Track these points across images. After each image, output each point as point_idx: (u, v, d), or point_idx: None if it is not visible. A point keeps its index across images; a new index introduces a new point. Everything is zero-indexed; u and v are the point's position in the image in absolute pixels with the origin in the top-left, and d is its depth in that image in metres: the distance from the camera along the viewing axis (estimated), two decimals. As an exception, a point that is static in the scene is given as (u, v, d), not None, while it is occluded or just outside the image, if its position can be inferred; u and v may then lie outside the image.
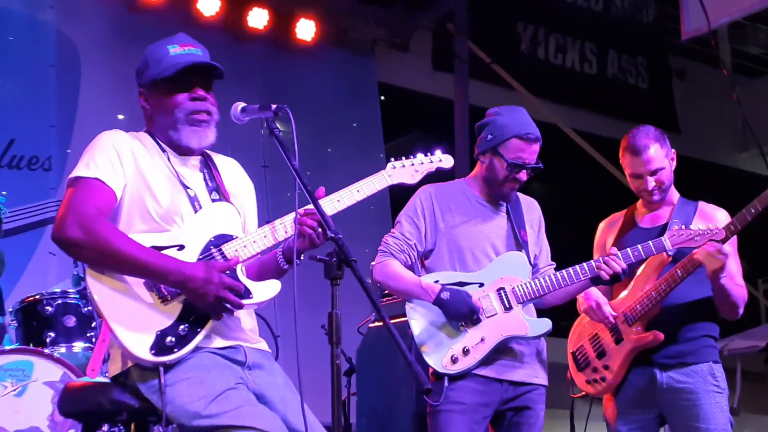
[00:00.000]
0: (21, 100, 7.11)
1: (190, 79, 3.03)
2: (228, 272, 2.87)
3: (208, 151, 3.18)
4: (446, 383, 3.67)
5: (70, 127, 7.28)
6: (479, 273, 3.81)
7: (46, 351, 4.51)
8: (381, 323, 5.33)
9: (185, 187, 3.00)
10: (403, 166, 3.25)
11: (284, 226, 2.96)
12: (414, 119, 9.91)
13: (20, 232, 6.80)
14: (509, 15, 10.28)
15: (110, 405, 2.92)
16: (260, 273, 3.09)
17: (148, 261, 2.79)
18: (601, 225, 4.28)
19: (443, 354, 3.70)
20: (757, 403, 9.26)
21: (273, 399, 2.91)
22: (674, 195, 4.08)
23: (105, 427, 4.08)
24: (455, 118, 8.95)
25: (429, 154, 3.35)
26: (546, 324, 3.76)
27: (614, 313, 3.97)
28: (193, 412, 2.74)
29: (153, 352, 2.78)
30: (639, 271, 3.99)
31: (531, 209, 4.02)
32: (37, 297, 4.79)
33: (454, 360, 3.69)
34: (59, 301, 4.77)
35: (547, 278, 3.75)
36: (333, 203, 3.02)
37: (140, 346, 2.78)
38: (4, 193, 6.58)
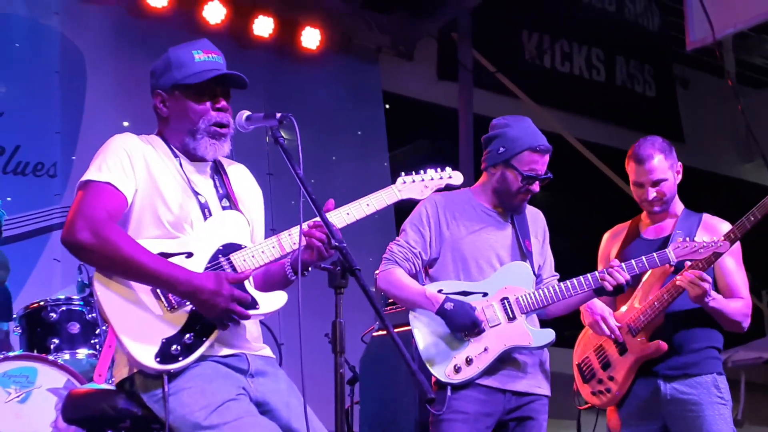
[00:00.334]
0: (26, 106, 7.12)
1: (215, 88, 3.02)
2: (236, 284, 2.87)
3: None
4: (449, 392, 3.67)
5: (75, 134, 7.29)
6: (483, 282, 3.81)
7: (50, 357, 4.51)
8: (385, 332, 5.33)
9: (196, 194, 3.00)
10: (413, 181, 3.24)
11: (292, 238, 2.95)
12: (418, 127, 9.91)
13: (25, 239, 6.80)
14: (514, 23, 10.26)
15: (113, 412, 2.92)
16: (267, 283, 3.08)
17: (158, 269, 2.78)
18: (606, 236, 4.28)
19: (446, 363, 3.70)
20: (761, 414, 9.24)
21: (276, 405, 2.91)
22: (678, 207, 4.08)
23: (108, 434, 4.08)
24: (460, 127, 8.95)
25: (439, 169, 3.34)
26: (549, 334, 3.76)
27: (619, 325, 3.96)
28: (194, 422, 2.74)
29: (158, 359, 2.78)
30: (642, 281, 3.99)
31: (536, 220, 4.03)
32: (42, 303, 4.79)
33: (457, 369, 3.69)
34: (63, 308, 4.77)
35: (550, 289, 3.75)
36: (342, 216, 3.01)
37: (145, 354, 2.77)
38: (8, 199, 6.60)
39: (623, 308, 4.04)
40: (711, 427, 3.81)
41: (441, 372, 3.69)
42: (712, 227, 3.97)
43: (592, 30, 10.71)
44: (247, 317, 2.86)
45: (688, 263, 3.82)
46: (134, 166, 2.94)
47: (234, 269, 2.91)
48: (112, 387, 3.01)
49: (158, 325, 2.82)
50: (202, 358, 2.85)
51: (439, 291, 3.76)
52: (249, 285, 2.95)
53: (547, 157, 3.83)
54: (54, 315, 4.73)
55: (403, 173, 3.24)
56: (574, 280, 3.75)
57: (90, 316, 4.79)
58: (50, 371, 4.42)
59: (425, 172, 3.29)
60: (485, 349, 3.70)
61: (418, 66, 9.63)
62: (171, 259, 2.85)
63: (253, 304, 2.89)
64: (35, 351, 4.64)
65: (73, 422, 3.12)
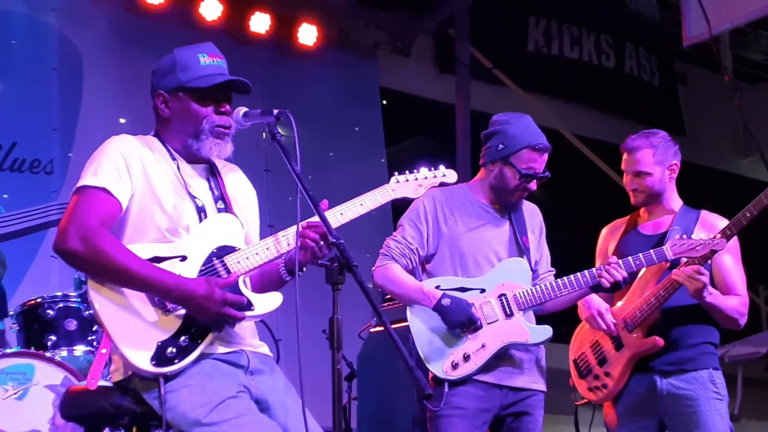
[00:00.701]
0: (23, 103, 7.10)
1: (219, 92, 3.03)
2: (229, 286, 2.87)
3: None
4: (446, 388, 3.68)
5: (72, 131, 7.28)
6: (481, 279, 3.81)
7: (48, 354, 4.50)
8: (382, 328, 5.33)
9: (193, 197, 3.00)
10: (407, 180, 3.24)
11: (287, 239, 2.95)
12: (416, 124, 9.91)
13: (22, 235, 6.79)
14: (521, 9, 10.21)
15: (112, 409, 2.92)
16: (263, 284, 3.09)
17: (148, 276, 2.79)
18: (604, 231, 4.29)
19: (444, 359, 3.71)
20: (758, 409, 9.25)
21: (274, 404, 2.92)
22: (676, 203, 4.09)
23: (106, 431, 4.08)
24: (457, 123, 8.95)
25: (433, 168, 3.33)
26: (547, 331, 3.77)
27: (615, 321, 3.97)
28: (194, 419, 2.74)
29: (154, 363, 2.78)
30: (638, 277, 3.99)
31: (533, 215, 4.03)
32: (39, 300, 4.78)
33: (454, 366, 3.69)
34: (60, 305, 4.77)
35: (548, 285, 3.76)
36: (336, 216, 3.01)
37: (141, 357, 2.78)
38: (5, 195, 6.60)
39: (619, 304, 4.05)
40: (707, 423, 3.81)
41: (438, 368, 3.70)
42: (710, 224, 3.98)
43: (600, 16, 10.64)
44: (242, 319, 2.86)
45: (685, 259, 3.82)
46: (131, 171, 2.93)
47: (228, 272, 2.91)
48: (110, 384, 3.01)
49: (153, 328, 2.82)
50: (202, 356, 2.85)
51: (437, 287, 3.76)
52: (244, 286, 2.95)
53: (545, 156, 3.84)
54: (51, 312, 4.73)
55: (396, 173, 3.24)
56: (572, 276, 3.76)
57: (87, 312, 4.78)
58: (48, 368, 4.41)
59: (419, 171, 3.29)
60: (483, 346, 3.71)
61: (415, 62, 9.62)
62: (164, 263, 2.85)
63: (248, 305, 2.89)
64: (32, 348, 4.64)
65: (71, 419, 3.12)
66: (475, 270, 3.83)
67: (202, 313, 2.81)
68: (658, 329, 3.91)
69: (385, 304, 5.33)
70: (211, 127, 3.02)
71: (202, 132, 3.02)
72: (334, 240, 2.76)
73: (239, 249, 2.96)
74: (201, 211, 2.99)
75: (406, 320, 3.81)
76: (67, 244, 2.80)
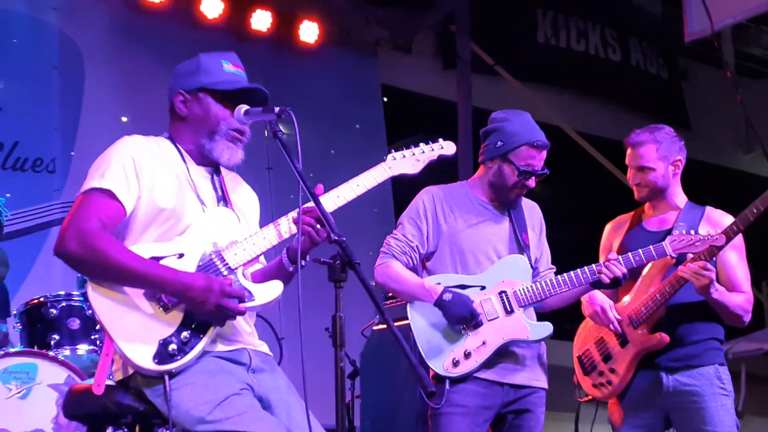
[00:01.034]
0: (24, 102, 7.10)
1: (239, 99, 3.04)
2: (228, 272, 2.87)
3: None
4: (447, 386, 3.67)
5: (74, 129, 7.28)
6: (481, 276, 3.81)
7: (51, 353, 4.50)
8: (385, 326, 5.33)
9: (201, 200, 3.01)
10: (404, 156, 3.21)
11: (279, 226, 2.94)
12: (417, 121, 9.90)
13: (24, 234, 6.79)
14: (524, 4, 10.17)
15: (115, 408, 2.92)
16: (266, 280, 3.08)
17: (146, 272, 2.79)
18: (608, 227, 4.28)
19: (444, 357, 3.71)
20: (762, 406, 9.25)
21: (276, 403, 2.92)
22: (681, 199, 4.08)
23: (109, 430, 4.07)
24: (459, 120, 8.95)
25: (431, 141, 3.30)
26: (547, 328, 3.77)
27: (619, 318, 3.96)
28: (197, 417, 2.75)
29: (156, 360, 2.78)
30: (643, 274, 3.98)
31: (532, 213, 4.03)
32: (42, 299, 4.78)
33: (455, 363, 3.69)
34: (63, 304, 4.77)
35: (548, 282, 3.76)
36: (333, 199, 3.00)
37: (143, 356, 2.78)
38: (8, 195, 6.59)
39: (625, 300, 4.04)
40: (713, 418, 3.81)
41: (439, 366, 3.70)
42: (714, 221, 3.97)
43: (604, 10, 10.62)
44: (242, 311, 2.86)
45: (690, 255, 3.81)
46: (139, 173, 2.94)
47: (227, 265, 2.91)
48: (113, 383, 3.01)
49: (154, 326, 2.82)
50: (203, 354, 2.85)
51: (437, 284, 3.76)
52: (244, 278, 2.95)
53: (544, 153, 3.84)
54: (54, 311, 4.73)
55: (393, 149, 3.21)
56: (572, 273, 3.76)
57: (90, 311, 4.78)
58: (51, 367, 4.42)
59: (416, 146, 3.26)
60: (483, 343, 3.70)
61: (416, 59, 9.61)
62: (163, 261, 2.86)
63: (248, 296, 2.88)
64: (35, 347, 4.64)
65: (74, 418, 3.12)
66: (475, 267, 3.83)
67: (200, 306, 2.80)
68: (663, 325, 3.90)
69: (388, 302, 5.33)
70: (227, 129, 3.04)
71: (217, 133, 3.04)
72: (336, 237, 2.76)
73: (236, 242, 2.96)
74: (204, 210, 3.00)
75: (408, 318, 3.81)
76: (66, 246, 2.82)
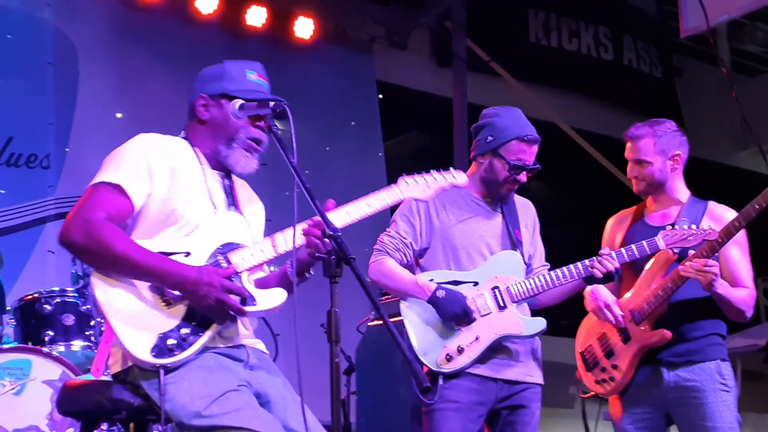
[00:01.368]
0: (19, 98, 7.08)
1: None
2: (233, 278, 2.87)
3: None
4: (441, 382, 3.67)
5: (68, 125, 7.26)
6: (474, 272, 3.81)
7: (45, 349, 4.50)
8: (380, 322, 5.32)
9: (213, 203, 3.02)
10: (416, 182, 3.22)
11: (287, 236, 2.93)
12: (413, 117, 9.90)
13: (18, 230, 6.78)
14: (518, 4, 10.19)
15: (109, 404, 2.92)
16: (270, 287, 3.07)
17: (149, 263, 2.80)
18: (610, 221, 4.27)
19: (438, 353, 3.70)
20: (757, 401, 9.26)
21: (274, 398, 2.93)
22: (683, 194, 4.07)
23: (104, 426, 4.07)
24: (454, 116, 8.95)
25: (442, 170, 3.30)
26: (540, 323, 3.77)
27: (622, 313, 3.95)
28: (194, 411, 2.75)
29: (153, 353, 2.78)
30: (646, 269, 3.97)
31: (526, 210, 4.03)
32: (36, 295, 4.78)
33: (448, 358, 3.69)
34: (58, 300, 4.76)
35: (541, 278, 3.76)
36: (342, 216, 3.00)
37: (141, 348, 2.78)
38: (1, 191, 6.58)
39: (626, 296, 4.03)
40: (714, 414, 3.79)
41: (432, 361, 3.69)
42: (717, 216, 3.95)
43: (598, 9, 10.63)
44: (241, 310, 2.85)
45: (692, 252, 3.81)
46: (152, 171, 2.94)
47: (233, 267, 2.91)
48: (107, 378, 3.00)
49: (155, 320, 2.83)
50: (203, 349, 2.85)
51: (430, 281, 3.76)
52: (248, 283, 2.95)
53: (535, 148, 3.84)
54: (48, 307, 4.72)
55: (405, 174, 3.21)
56: (564, 268, 3.76)
57: (84, 307, 4.78)
58: (45, 363, 4.41)
59: (428, 173, 3.26)
60: (476, 338, 3.70)
61: (412, 56, 9.61)
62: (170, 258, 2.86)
63: (250, 300, 2.89)
64: (30, 343, 4.64)
65: (68, 414, 3.12)
66: (467, 263, 3.83)
67: (200, 300, 2.80)
68: (665, 321, 3.89)
69: (383, 298, 5.33)
70: (245, 138, 3.05)
71: (235, 141, 3.05)
72: (331, 233, 2.75)
73: (244, 246, 2.96)
74: (215, 213, 3.01)
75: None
76: (70, 235, 2.82)
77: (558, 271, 3.76)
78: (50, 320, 4.72)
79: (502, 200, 3.91)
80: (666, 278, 3.89)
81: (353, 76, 9.03)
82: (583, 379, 4.13)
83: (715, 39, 8.39)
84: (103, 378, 3.10)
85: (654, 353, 3.91)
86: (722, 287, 3.80)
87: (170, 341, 2.80)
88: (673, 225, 3.91)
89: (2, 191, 6.69)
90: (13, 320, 4.82)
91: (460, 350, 3.69)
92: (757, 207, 3.78)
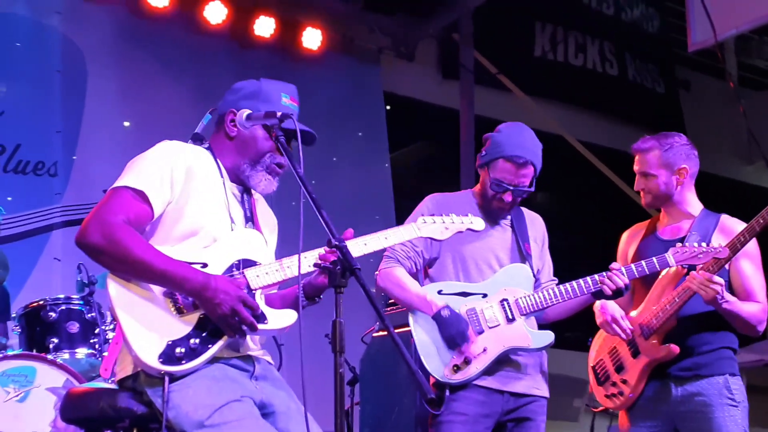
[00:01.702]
0: (27, 105, 7.10)
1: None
2: (247, 291, 2.88)
3: None
4: (448, 393, 3.67)
5: (76, 133, 7.28)
6: (483, 284, 3.81)
7: (49, 357, 4.50)
8: (385, 333, 5.32)
9: (231, 218, 3.02)
10: (434, 222, 3.24)
11: (306, 260, 2.94)
12: (419, 129, 9.90)
13: (25, 237, 6.79)
14: (527, 15, 10.21)
15: (112, 411, 2.91)
16: (283, 308, 3.07)
17: (166, 268, 2.80)
18: (624, 235, 4.26)
19: (445, 363, 3.70)
20: (764, 417, 9.22)
21: (279, 409, 2.93)
22: (695, 207, 4.06)
23: (106, 434, 4.07)
24: (461, 128, 8.94)
25: (461, 215, 3.31)
26: (548, 336, 3.76)
27: (631, 327, 3.93)
28: (197, 420, 2.75)
29: (161, 360, 2.78)
30: (655, 283, 3.96)
31: (535, 224, 4.02)
32: (41, 303, 4.78)
33: (455, 369, 3.69)
34: (63, 307, 4.76)
35: (550, 291, 3.75)
36: (360, 246, 3.02)
37: (149, 353, 2.78)
38: (9, 198, 6.59)
39: (637, 309, 4.01)
40: (720, 429, 3.76)
41: (439, 372, 3.69)
42: (729, 229, 3.93)
43: (601, 26, 10.67)
44: (254, 324, 2.84)
45: (700, 266, 3.79)
46: (174, 179, 2.94)
47: (247, 284, 2.92)
48: (112, 386, 3.00)
49: (166, 326, 2.83)
50: (211, 360, 2.85)
51: (439, 291, 3.76)
52: (261, 301, 2.95)
53: (525, 171, 3.79)
54: (53, 314, 4.73)
55: (419, 210, 3.21)
56: (574, 282, 3.75)
57: (89, 315, 4.78)
58: (49, 370, 4.41)
59: (447, 215, 3.28)
60: (484, 350, 3.70)
61: (419, 67, 9.62)
62: None
63: (262, 317, 2.89)
64: (34, 350, 4.64)
65: (71, 422, 3.11)
66: (477, 275, 3.83)
67: (215, 308, 2.80)
68: (675, 336, 3.87)
69: (389, 309, 5.32)
70: (270, 162, 3.07)
71: (259, 163, 3.07)
72: (336, 243, 2.75)
73: (260, 264, 2.97)
74: (233, 228, 3.02)
75: (408, 325, 3.80)
76: (88, 237, 2.82)
77: (567, 285, 3.75)
78: (55, 327, 4.72)
79: (492, 216, 3.87)
80: (674, 292, 3.87)
81: (360, 87, 9.04)
82: (594, 393, 4.12)
83: (722, 53, 8.40)
84: (107, 385, 3.09)
85: (663, 367, 3.89)
86: (728, 303, 3.78)
87: (179, 350, 2.80)
88: (683, 239, 3.91)
89: (9, 198, 6.70)
90: (18, 327, 4.82)
91: (467, 362, 3.68)
92: (761, 221, 3.77)
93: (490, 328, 3.72)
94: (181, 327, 2.84)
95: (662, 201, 4.04)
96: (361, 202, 8.17)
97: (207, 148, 3.12)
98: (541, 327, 3.87)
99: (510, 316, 3.74)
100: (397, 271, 3.82)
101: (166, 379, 2.78)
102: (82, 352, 4.72)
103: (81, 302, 4.81)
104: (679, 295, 3.84)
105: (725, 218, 4.00)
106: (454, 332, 3.65)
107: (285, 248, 3.06)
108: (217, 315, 2.81)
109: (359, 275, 2.68)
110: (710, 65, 11.10)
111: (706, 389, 3.83)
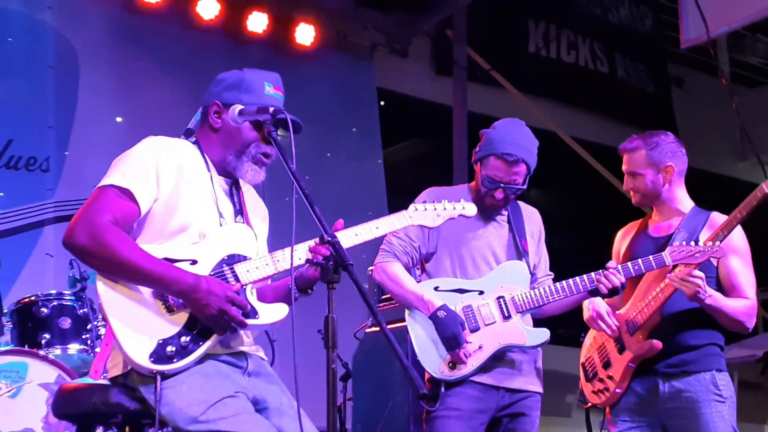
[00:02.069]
0: (19, 100, 7.08)
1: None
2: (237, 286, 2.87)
3: None
4: (443, 389, 3.67)
5: (68, 129, 7.27)
6: (479, 281, 3.80)
7: (41, 352, 4.49)
8: (378, 328, 5.32)
9: (219, 212, 3.01)
10: (426, 209, 3.21)
11: (297, 253, 2.92)
12: (413, 125, 9.91)
13: (17, 233, 6.78)
14: (519, 14, 10.22)
15: (105, 407, 2.91)
16: (276, 300, 3.08)
17: (153, 270, 2.79)
18: (619, 233, 4.26)
19: (441, 360, 3.70)
20: (754, 412, 9.25)
21: (272, 404, 2.92)
22: (686, 204, 4.05)
23: (99, 430, 4.06)
24: (454, 124, 8.95)
25: (453, 200, 3.29)
26: (544, 334, 3.76)
27: (617, 323, 3.94)
28: (191, 416, 2.74)
29: (152, 359, 2.77)
30: (641, 280, 3.97)
31: (532, 219, 4.02)
32: (33, 298, 4.77)
33: (451, 366, 3.69)
34: (55, 303, 4.76)
35: (546, 288, 3.75)
36: (350, 237, 2.99)
37: (140, 353, 2.77)
38: (0, 194, 6.58)
39: (625, 306, 4.02)
40: (708, 425, 3.77)
41: (435, 369, 3.69)
42: (716, 226, 3.93)
43: (591, 25, 10.71)
44: (243, 322, 2.84)
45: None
46: (160, 176, 2.92)
47: (237, 279, 2.91)
48: (104, 381, 3.00)
49: (156, 326, 2.82)
50: (203, 358, 2.84)
51: (436, 288, 3.76)
52: (251, 296, 2.95)
53: (518, 168, 3.77)
54: (45, 310, 4.72)
55: (415, 203, 3.20)
56: (570, 280, 3.75)
57: (81, 311, 4.78)
58: (41, 366, 4.41)
59: (439, 202, 3.26)
60: (480, 347, 3.70)
61: (412, 63, 9.62)
62: (175, 264, 2.85)
63: (252, 312, 2.88)
64: (26, 346, 4.63)
65: (63, 417, 3.11)
66: (473, 271, 3.82)
67: (202, 309, 2.80)
68: (660, 332, 3.88)
69: (382, 304, 5.32)
70: (256, 152, 3.04)
71: (245, 154, 3.04)
72: (329, 238, 2.75)
73: (250, 258, 2.96)
74: (222, 223, 3.00)
75: (402, 321, 3.81)
76: (74, 238, 2.81)
77: (564, 282, 3.75)
78: (47, 323, 4.71)
79: (485, 212, 3.87)
80: (656, 287, 3.88)
81: (354, 83, 9.04)
82: (583, 389, 4.13)
83: (715, 50, 8.41)
84: (99, 381, 3.08)
85: (651, 364, 3.89)
86: (712, 298, 3.78)
87: (170, 348, 2.79)
88: (671, 236, 3.91)
89: (1, 194, 6.69)
90: (9, 323, 4.81)
91: (463, 359, 3.68)
92: (738, 216, 3.79)
93: (486, 325, 3.72)
94: (171, 325, 2.83)
95: (651, 199, 4.04)
96: (354, 197, 8.17)
97: (194, 142, 3.10)
98: (536, 322, 3.88)
99: (506, 314, 3.74)
100: (394, 267, 3.81)
101: (158, 377, 2.77)
102: (74, 347, 4.71)
103: (73, 298, 4.81)
104: (662, 290, 3.84)
105: (715, 215, 4.00)
106: (449, 335, 3.65)
107: (277, 243, 3.05)
108: (205, 315, 2.81)
109: (352, 271, 2.68)
110: (703, 62, 11.12)
111: (693, 385, 3.83)
